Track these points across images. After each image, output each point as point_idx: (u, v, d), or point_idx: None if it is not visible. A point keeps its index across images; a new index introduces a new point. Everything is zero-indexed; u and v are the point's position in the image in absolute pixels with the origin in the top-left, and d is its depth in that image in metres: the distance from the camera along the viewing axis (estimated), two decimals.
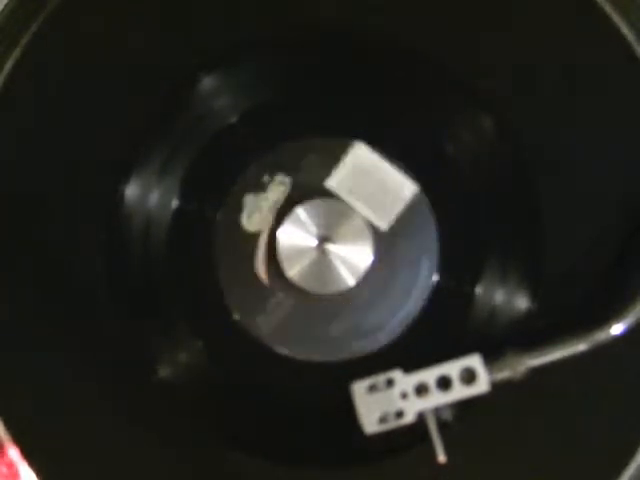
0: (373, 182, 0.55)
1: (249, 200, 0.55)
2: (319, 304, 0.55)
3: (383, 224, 0.55)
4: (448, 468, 0.52)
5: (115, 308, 0.56)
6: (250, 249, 0.56)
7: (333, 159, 0.56)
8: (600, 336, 0.52)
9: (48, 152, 0.55)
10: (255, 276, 0.56)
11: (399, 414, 0.52)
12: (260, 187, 0.55)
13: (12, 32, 0.54)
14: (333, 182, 0.55)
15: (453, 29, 0.55)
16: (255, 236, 0.56)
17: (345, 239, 0.55)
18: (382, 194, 0.55)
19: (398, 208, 0.55)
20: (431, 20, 0.56)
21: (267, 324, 0.56)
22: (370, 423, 0.52)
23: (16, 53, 0.55)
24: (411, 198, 0.55)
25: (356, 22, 0.56)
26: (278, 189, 0.54)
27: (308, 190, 0.55)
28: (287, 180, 0.55)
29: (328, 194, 0.55)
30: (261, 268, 0.55)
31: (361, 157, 0.54)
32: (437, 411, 0.52)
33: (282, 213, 0.55)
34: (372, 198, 0.55)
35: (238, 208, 0.56)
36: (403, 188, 0.55)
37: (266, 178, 0.55)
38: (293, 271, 0.55)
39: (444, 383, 0.52)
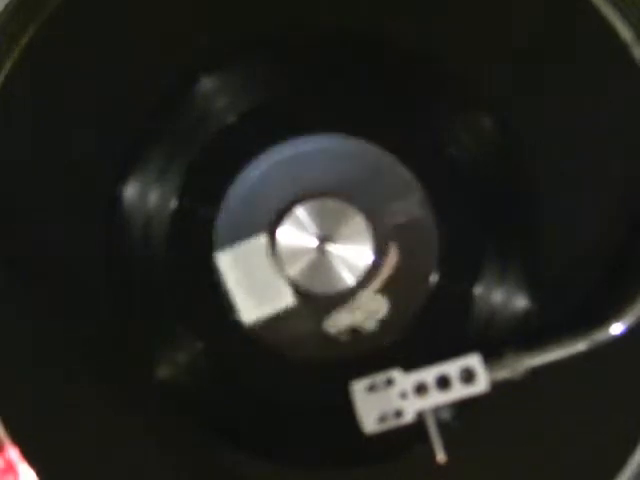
0: (258, 276, 0.55)
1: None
2: (319, 304, 0.55)
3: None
4: (448, 468, 0.52)
5: (115, 308, 0.56)
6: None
7: (334, 159, 0.56)
8: (600, 336, 0.52)
9: (48, 152, 0.55)
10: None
11: (398, 414, 0.52)
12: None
13: (12, 32, 0.55)
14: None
15: (453, 29, 0.55)
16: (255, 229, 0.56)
17: (345, 239, 0.55)
18: (261, 291, 0.55)
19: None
20: (431, 20, 0.56)
21: (267, 324, 0.56)
22: (369, 422, 0.52)
23: (16, 53, 0.55)
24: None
25: (356, 22, 0.56)
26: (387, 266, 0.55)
27: (308, 190, 0.56)
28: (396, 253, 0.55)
29: (328, 194, 0.55)
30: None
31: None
32: (436, 411, 0.52)
33: (282, 213, 0.55)
34: (250, 290, 0.55)
35: (238, 208, 0.56)
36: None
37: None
38: (293, 271, 0.55)
39: (443, 383, 0.52)
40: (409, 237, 0.56)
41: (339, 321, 0.55)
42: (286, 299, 0.55)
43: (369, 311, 0.55)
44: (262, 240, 0.55)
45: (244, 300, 0.55)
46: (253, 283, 0.55)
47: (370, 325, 0.55)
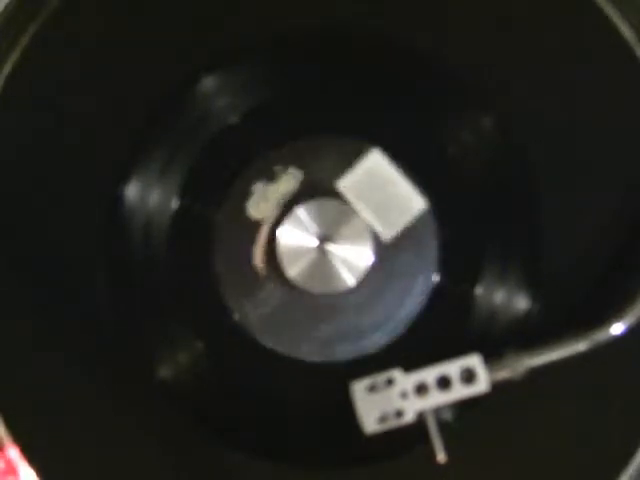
0: (383, 191, 0.55)
1: (258, 188, 0.55)
2: (319, 304, 0.55)
3: (386, 234, 0.55)
4: (448, 468, 0.52)
5: (115, 308, 0.56)
6: (251, 249, 0.56)
7: (334, 159, 0.56)
8: (600, 336, 0.52)
9: (48, 152, 0.55)
10: (255, 276, 0.56)
11: (399, 414, 0.52)
12: (271, 176, 0.55)
13: (12, 32, 0.55)
14: (344, 184, 0.55)
15: (453, 29, 0.55)
16: (257, 229, 0.55)
17: (345, 239, 0.55)
18: (390, 205, 0.55)
19: (404, 221, 0.55)
20: (431, 20, 0.56)
21: (267, 324, 0.56)
22: (370, 423, 0.52)
23: (16, 53, 0.55)
24: (418, 214, 0.55)
25: (356, 22, 0.56)
26: (289, 181, 0.54)
27: (308, 190, 0.56)
28: (298, 174, 0.55)
29: (328, 194, 0.55)
30: (258, 259, 0.55)
31: (376, 164, 0.54)
32: (437, 411, 0.52)
33: (286, 208, 0.55)
34: (380, 207, 0.55)
35: (238, 208, 0.56)
36: (412, 202, 0.55)
37: (278, 168, 0.55)
38: (293, 271, 0.55)
39: (444, 383, 0.52)
40: (409, 237, 0.56)
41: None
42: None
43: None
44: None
45: (380, 220, 0.55)
46: (382, 200, 0.54)
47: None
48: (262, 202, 0.55)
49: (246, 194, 0.56)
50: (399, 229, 0.55)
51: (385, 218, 0.55)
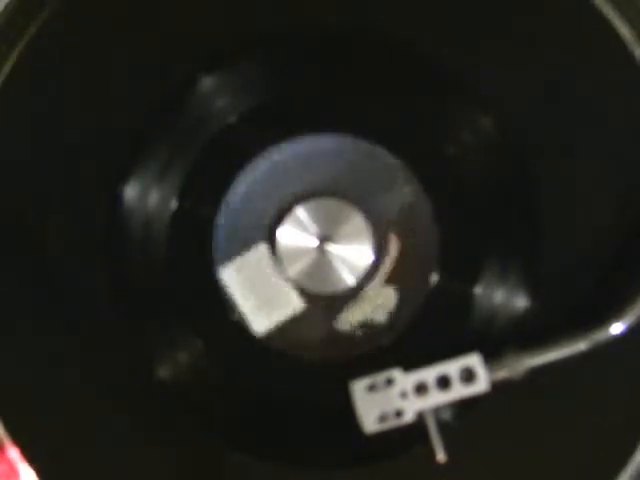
0: (263, 286, 0.55)
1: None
2: (319, 304, 0.55)
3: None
4: (448, 468, 0.52)
5: (115, 308, 0.56)
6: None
7: (334, 159, 0.56)
8: (600, 336, 0.52)
9: (48, 152, 0.55)
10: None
11: (398, 413, 0.52)
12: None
13: (12, 32, 0.55)
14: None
15: (453, 29, 0.55)
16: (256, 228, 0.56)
17: (345, 239, 0.55)
18: (268, 300, 0.55)
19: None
20: (431, 20, 0.56)
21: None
22: (369, 422, 0.52)
23: (16, 53, 0.55)
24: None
25: (356, 22, 0.56)
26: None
27: (308, 190, 0.56)
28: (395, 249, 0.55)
29: (328, 194, 0.55)
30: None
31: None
32: (437, 411, 0.52)
33: (282, 213, 0.55)
34: (257, 301, 0.55)
35: (238, 208, 0.56)
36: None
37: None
38: (293, 271, 0.55)
39: (444, 382, 0.52)
40: (409, 237, 0.56)
41: (351, 317, 0.55)
42: (293, 304, 0.55)
43: (377, 304, 0.55)
44: (262, 249, 0.55)
45: (253, 312, 0.55)
46: (259, 293, 0.55)
47: (380, 317, 0.55)
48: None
49: (246, 194, 0.56)
50: (272, 325, 0.55)
51: (260, 312, 0.55)
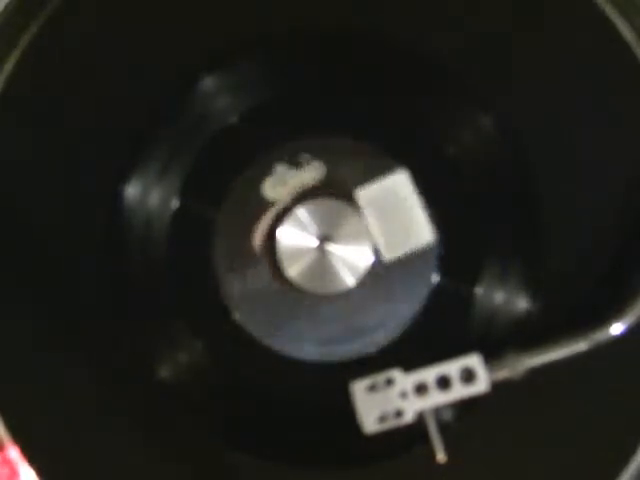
0: (398, 213, 0.54)
1: (279, 170, 0.54)
2: (319, 304, 0.55)
3: (387, 255, 0.55)
4: (448, 468, 0.52)
5: (115, 308, 0.56)
6: (250, 248, 0.56)
7: (334, 159, 0.56)
8: (600, 336, 0.52)
9: (48, 152, 0.55)
10: (255, 276, 0.56)
11: (398, 414, 0.52)
12: (295, 163, 0.55)
13: (12, 32, 0.55)
14: (363, 194, 0.55)
15: (453, 29, 0.55)
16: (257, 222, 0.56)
17: (345, 239, 0.55)
18: (400, 228, 0.54)
19: (407, 248, 0.55)
20: (431, 20, 0.56)
21: (267, 324, 0.56)
22: (369, 423, 0.52)
23: (16, 53, 0.55)
24: (424, 245, 0.55)
25: (356, 22, 0.56)
26: (312, 172, 0.54)
27: (308, 190, 0.56)
28: (323, 168, 0.54)
29: (328, 194, 0.55)
30: (258, 238, 0.55)
31: (400, 185, 0.54)
32: (437, 411, 0.52)
33: (282, 213, 0.55)
34: (389, 227, 0.55)
35: (238, 208, 0.56)
36: (422, 232, 0.55)
37: (305, 157, 0.55)
38: (293, 271, 0.55)
39: (444, 383, 0.52)
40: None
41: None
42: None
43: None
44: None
45: (385, 240, 0.55)
46: (394, 222, 0.54)
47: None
48: (280, 185, 0.54)
49: (246, 194, 0.56)
50: (400, 254, 0.55)
51: (391, 240, 0.55)
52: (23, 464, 0.54)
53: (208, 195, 0.56)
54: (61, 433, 0.55)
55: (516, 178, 0.56)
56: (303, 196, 0.55)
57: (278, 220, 0.55)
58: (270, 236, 0.55)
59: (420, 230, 0.54)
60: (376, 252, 0.55)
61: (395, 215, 0.55)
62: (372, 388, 0.52)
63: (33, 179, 0.55)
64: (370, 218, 0.54)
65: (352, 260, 0.55)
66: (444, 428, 0.52)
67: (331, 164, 0.56)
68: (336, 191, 0.55)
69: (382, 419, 0.52)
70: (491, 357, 0.52)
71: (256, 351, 0.56)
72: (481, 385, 0.52)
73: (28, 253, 0.55)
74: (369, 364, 0.54)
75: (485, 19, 0.55)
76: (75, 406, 0.55)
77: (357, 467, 0.55)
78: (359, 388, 0.53)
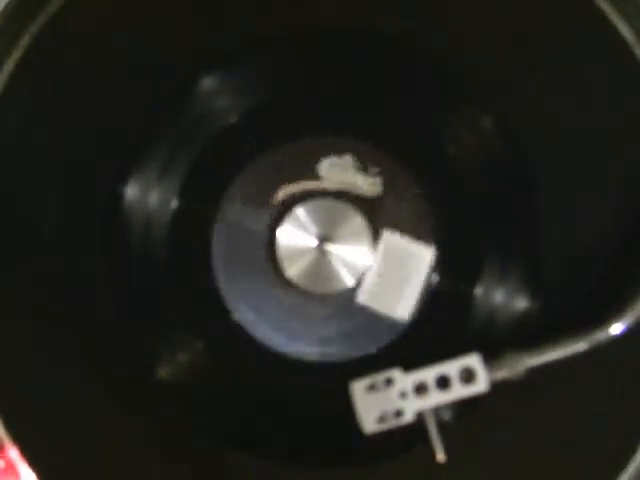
0: (400, 277, 0.55)
1: (347, 159, 0.54)
2: (319, 304, 0.55)
3: (360, 298, 0.55)
4: (448, 468, 0.52)
5: (115, 308, 0.56)
6: (250, 248, 0.56)
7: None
8: (600, 336, 0.52)
9: (48, 152, 0.55)
10: (255, 276, 0.56)
11: (398, 413, 0.52)
12: (362, 167, 0.55)
13: (12, 32, 0.55)
14: (387, 237, 0.55)
15: (453, 29, 0.55)
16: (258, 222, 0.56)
17: (345, 239, 0.55)
18: (390, 289, 0.55)
19: (381, 308, 0.55)
20: (431, 20, 0.56)
21: (267, 324, 0.56)
22: (369, 422, 0.52)
23: (16, 53, 0.55)
24: (395, 318, 0.55)
25: (356, 22, 0.56)
26: (368, 184, 0.54)
27: (308, 190, 0.56)
28: (379, 190, 0.55)
29: (328, 194, 0.55)
30: (282, 194, 0.55)
31: (420, 257, 0.54)
32: (436, 411, 0.52)
33: (282, 213, 0.55)
34: (384, 280, 0.55)
35: (238, 208, 0.56)
36: (403, 308, 0.55)
37: (374, 169, 0.55)
38: (293, 271, 0.55)
39: (443, 382, 0.52)
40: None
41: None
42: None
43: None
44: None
45: (372, 283, 0.55)
46: (392, 279, 0.55)
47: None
48: (337, 169, 0.54)
49: (246, 194, 0.56)
50: (371, 306, 0.55)
51: (376, 289, 0.55)
52: (23, 464, 0.54)
53: (208, 195, 0.56)
54: (61, 433, 0.55)
55: (516, 178, 0.56)
56: (303, 196, 0.55)
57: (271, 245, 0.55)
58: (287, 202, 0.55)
59: (403, 304, 0.55)
60: (357, 285, 0.55)
61: (397, 276, 0.55)
62: (372, 388, 0.52)
63: (33, 179, 0.55)
64: (378, 261, 0.55)
65: (352, 260, 0.55)
66: (444, 428, 0.52)
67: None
68: (336, 191, 0.55)
69: (382, 419, 0.52)
70: (491, 357, 0.52)
71: (256, 351, 0.56)
72: (481, 385, 0.52)
73: (28, 253, 0.55)
74: (369, 364, 0.54)
75: (485, 19, 0.55)
76: (75, 406, 0.55)
77: (357, 467, 0.55)
78: (359, 388, 0.53)
